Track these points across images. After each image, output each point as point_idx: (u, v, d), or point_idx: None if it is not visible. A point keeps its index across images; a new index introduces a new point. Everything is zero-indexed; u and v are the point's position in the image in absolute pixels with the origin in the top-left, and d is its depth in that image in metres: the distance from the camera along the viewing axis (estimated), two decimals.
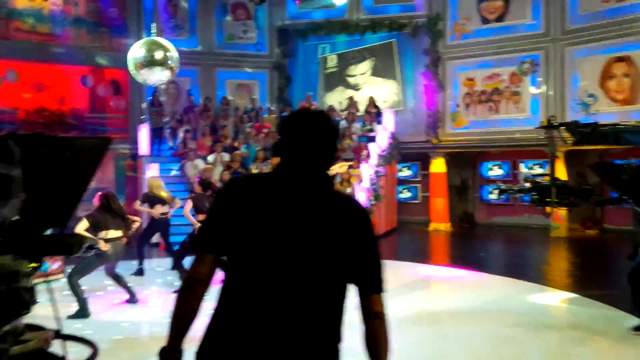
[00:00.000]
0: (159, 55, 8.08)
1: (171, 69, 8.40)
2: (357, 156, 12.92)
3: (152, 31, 9.88)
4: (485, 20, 14.82)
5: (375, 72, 16.17)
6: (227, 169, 11.58)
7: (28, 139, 1.99)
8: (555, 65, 13.97)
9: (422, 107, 15.52)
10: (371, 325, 1.73)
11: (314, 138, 1.75)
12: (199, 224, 7.51)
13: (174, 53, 8.55)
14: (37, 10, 14.31)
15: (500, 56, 14.53)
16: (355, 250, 1.70)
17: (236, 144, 13.35)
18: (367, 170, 12.70)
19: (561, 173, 13.78)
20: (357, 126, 14.02)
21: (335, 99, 16.24)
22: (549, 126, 9.94)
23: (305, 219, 1.68)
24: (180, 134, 13.70)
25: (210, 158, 12.65)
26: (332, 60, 16.68)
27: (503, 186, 12.43)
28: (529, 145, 14.39)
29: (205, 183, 8.06)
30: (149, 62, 8.00)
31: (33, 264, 1.82)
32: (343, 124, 14.17)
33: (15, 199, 1.80)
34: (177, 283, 7.40)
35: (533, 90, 14.25)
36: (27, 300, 1.34)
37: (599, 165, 8.58)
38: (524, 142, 14.23)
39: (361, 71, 16.34)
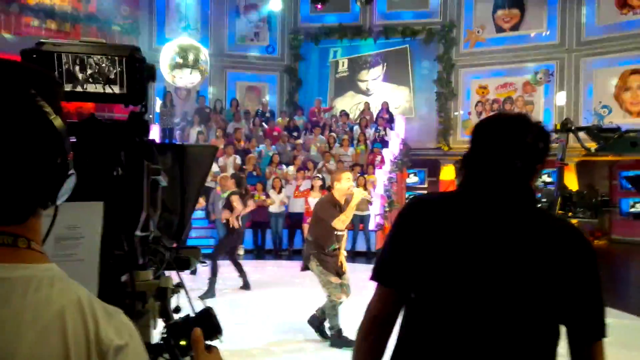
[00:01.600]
0: (191, 57, 7.96)
1: (202, 71, 8.29)
2: (372, 162, 12.85)
3: (183, 32, 9.71)
4: (499, 29, 14.84)
5: (387, 78, 16.13)
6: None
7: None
8: (570, 75, 14.00)
9: (433, 114, 15.49)
10: None
11: (512, 147, 1.43)
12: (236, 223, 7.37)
13: (205, 55, 8.45)
14: (49, 7, 14.12)
15: (514, 65, 14.56)
16: (571, 285, 1.37)
17: (249, 147, 13.24)
18: (381, 177, 12.63)
19: (572, 183, 13.80)
20: (370, 132, 13.96)
21: (346, 103, 16.17)
22: (565, 130, 9.78)
23: (508, 247, 1.39)
24: (193, 136, 13.55)
25: (222, 161, 12.51)
26: (343, 65, 16.62)
27: None
28: None
29: (238, 178, 7.89)
30: (181, 64, 7.87)
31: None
32: (356, 129, 14.11)
33: (158, 211, 1.68)
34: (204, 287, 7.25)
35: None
36: (219, 324, 1.23)
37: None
38: None
39: (373, 76, 16.29)
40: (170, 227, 1.96)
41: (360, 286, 4.36)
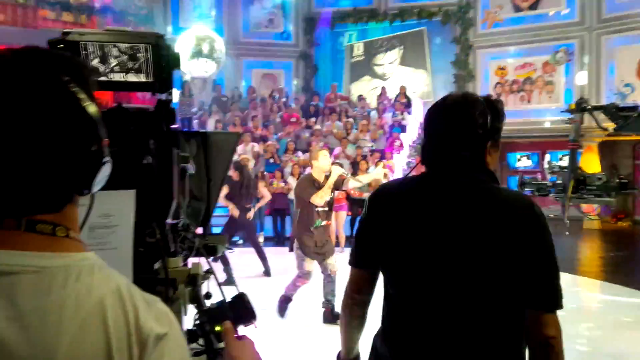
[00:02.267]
0: (206, 47, 7.93)
1: (217, 60, 8.26)
2: (390, 147, 12.78)
3: (198, 21, 9.68)
4: (517, 8, 14.56)
5: (404, 62, 15.94)
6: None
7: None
8: (591, 54, 13.71)
9: None
10: (539, 353, 1.42)
11: (455, 129, 1.48)
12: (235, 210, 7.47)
13: (220, 45, 8.41)
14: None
15: (533, 45, 14.30)
16: (522, 257, 1.40)
17: (267, 134, 13.24)
18: (400, 162, 12.56)
19: (594, 164, 13.57)
20: (387, 116, 13.86)
21: (362, 88, 16.04)
22: (579, 109, 9.55)
23: (462, 225, 1.45)
24: (211, 125, 13.59)
25: (241, 149, 12.54)
26: (359, 49, 16.46)
27: (526, 178, 11.94)
28: (560, 136, 14.24)
29: (239, 166, 7.89)
30: (196, 54, 7.85)
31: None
32: (374, 114, 14.02)
33: (187, 198, 1.68)
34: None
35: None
36: (253, 309, 1.24)
37: None
38: (555, 133, 14.05)
39: (389, 60, 16.12)
40: (198, 214, 1.96)
41: None
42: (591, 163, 13.53)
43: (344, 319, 1.75)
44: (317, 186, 5.26)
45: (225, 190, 7.61)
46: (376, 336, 1.69)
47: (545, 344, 1.40)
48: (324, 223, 5.35)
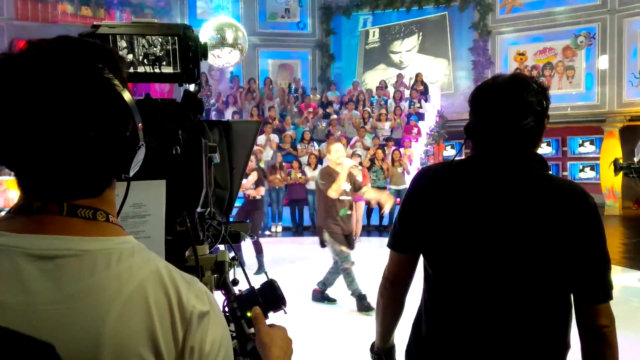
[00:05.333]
0: (229, 36, 7.94)
1: (241, 50, 8.27)
2: (408, 135, 12.71)
3: (214, 12, 9.67)
4: None
5: (423, 49, 15.74)
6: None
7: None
8: (613, 37, 13.45)
9: (472, 84, 15.14)
10: (592, 343, 1.40)
11: (507, 112, 1.43)
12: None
13: (243, 34, 8.42)
14: None
15: (553, 29, 14.05)
16: (572, 247, 1.37)
17: (284, 125, 13.25)
18: (418, 150, 12.50)
19: (616, 150, 13.34)
20: (404, 104, 13.78)
21: (377, 78, 15.87)
22: None
23: (510, 211, 1.41)
24: (228, 116, 13.64)
25: (260, 139, 12.57)
26: (374, 34, 16.25)
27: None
28: (581, 122, 14.04)
29: (260, 171, 7.72)
30: (220, 43, 7.86)
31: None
32: (390, 102, 13.95)
33: (212, 187, 1.71)
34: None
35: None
36: (283, 295, 1.26)
37: None
38: (575, 118, 13.85)
39: (407, 47, 15.93)
40: (222, 202, 2.00)
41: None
42: (613, 148, 13.33)
43: (382, 304, 1.70)
44: (335, 177, 5.31)
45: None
46: (417, 320, 1.66)
47: (598, 333, 1.39)
48: (349, 212, 5.43)
